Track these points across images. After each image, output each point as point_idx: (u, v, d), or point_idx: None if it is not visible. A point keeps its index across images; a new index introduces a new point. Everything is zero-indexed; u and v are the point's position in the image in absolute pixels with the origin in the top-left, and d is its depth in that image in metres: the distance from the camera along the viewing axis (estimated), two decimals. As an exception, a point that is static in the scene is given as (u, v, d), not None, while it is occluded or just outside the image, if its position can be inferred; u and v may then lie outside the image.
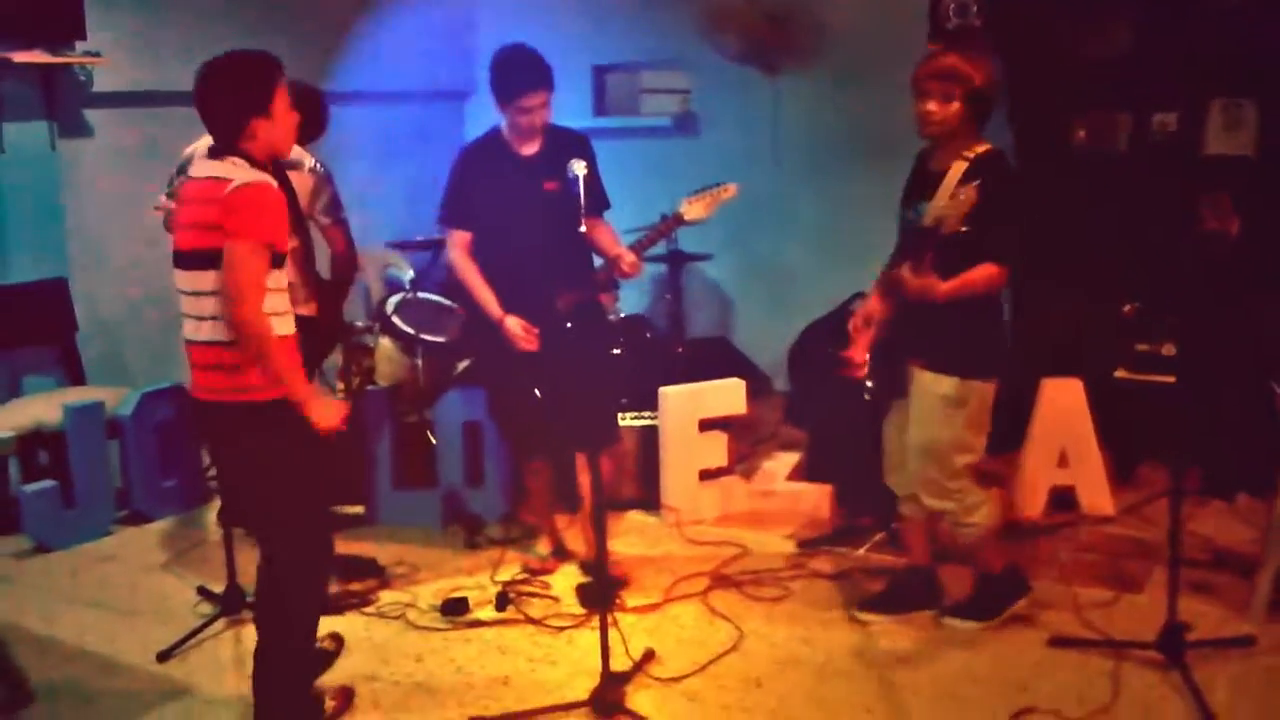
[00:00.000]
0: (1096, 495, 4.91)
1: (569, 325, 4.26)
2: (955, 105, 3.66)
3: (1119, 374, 5.22)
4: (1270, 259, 5.02)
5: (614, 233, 4.45)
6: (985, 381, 3.79)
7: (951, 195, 3.54)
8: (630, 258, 4.24)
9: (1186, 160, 5.50)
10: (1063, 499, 4.93)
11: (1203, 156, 5.53)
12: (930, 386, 3.79)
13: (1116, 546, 4.64)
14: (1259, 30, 5.29)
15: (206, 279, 3.14)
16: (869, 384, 3.98)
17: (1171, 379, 4.90)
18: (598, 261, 4.39)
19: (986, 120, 3.73)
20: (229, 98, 3.16)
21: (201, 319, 3.17)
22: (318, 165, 4.34)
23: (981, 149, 3.68)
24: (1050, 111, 5.71)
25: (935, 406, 3.79)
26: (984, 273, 3.64)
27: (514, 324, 4.26)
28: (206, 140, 3.32)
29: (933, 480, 3.86)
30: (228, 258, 3.07)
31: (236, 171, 3.13)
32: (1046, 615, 4.05)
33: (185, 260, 3.19)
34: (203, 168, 3.22)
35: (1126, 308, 5.24)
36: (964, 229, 3.51)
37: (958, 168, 3.64)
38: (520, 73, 4.21)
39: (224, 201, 3.08)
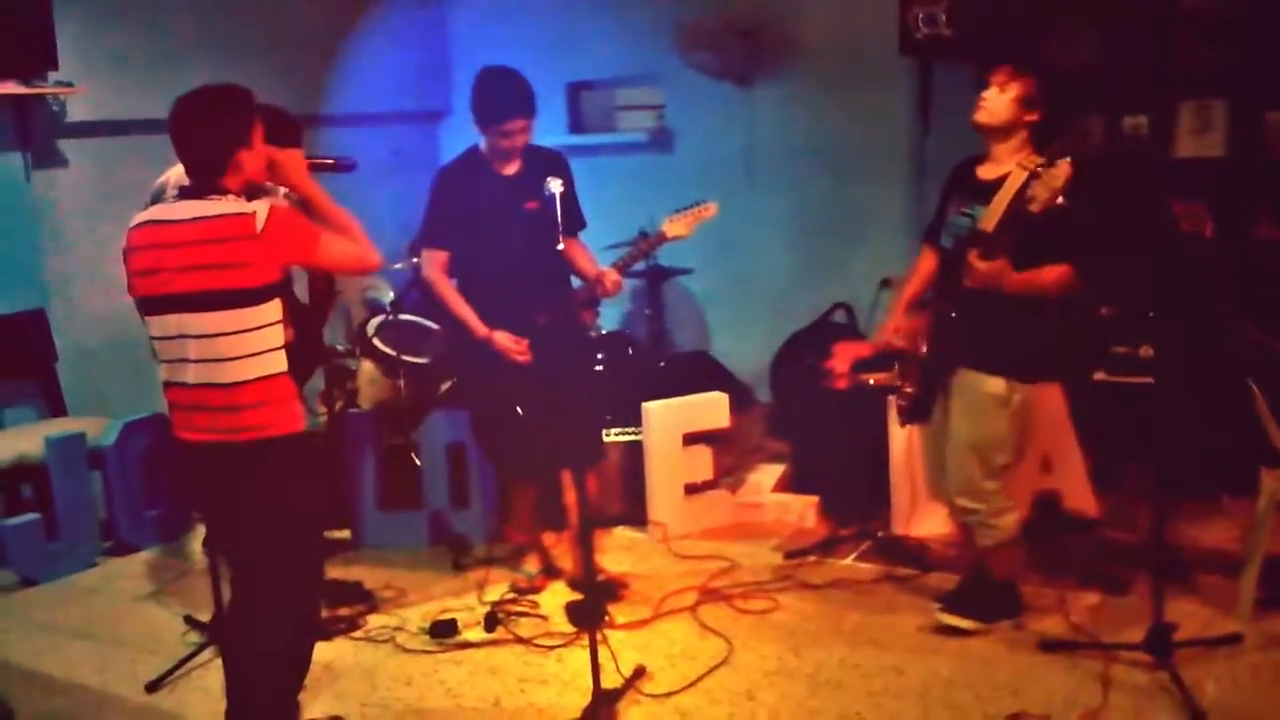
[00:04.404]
0: (1080, 498, 4.92)
1: (551, 342, 4.27)
2: (1010, 97, 3.71)
3: (1098, 377, 5.24)
4: (1244, 258, 5.06)
5: (590, 252, 4.46)
6: (1030, 384, 3.85)
7: (1041, 174, 3.48)
8: (614, 276, 4.28)
9: (1158, 163, 5.54)
10: (1047, 503, 4.95)
11: (1174, 159, 5.57)
12: (979, 385, 3.82)
13: (1102, 549, 4.66)
14: (1227, 31, 5.34)
15: (228, 319, 3.04)
16: (905, 402, 4.02)
17: (1150, 380, 4.92)
18: (576, 281, 4.41)
19: (1039, 137, 3.75)
20: (213, 132, 3.08)
21: (220, 361, 3.05)
22: (290, 192, 4.32)
23: (1041, 159, 3.66)
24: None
25: (984, 405, 3.82)
26: (1055, 273, 3.67)
27: (504, 337, 4.26)
28: (179, 169, 3.27)
29: (970, 479, 3.88)
30: (328, 259, 3.25)
31: (249, 204, 3.07)
32: (1035, 619, 4.07)
33: (195, 303, 3.04)
34: (189, 208, 3.07)
35: (1104, 310, 5.26)
36: (1060, 202, 3.47)
37: (1017, 175, 3.62)
38: (504, 98, 4.23)
39: (266, 236, 3.01)
